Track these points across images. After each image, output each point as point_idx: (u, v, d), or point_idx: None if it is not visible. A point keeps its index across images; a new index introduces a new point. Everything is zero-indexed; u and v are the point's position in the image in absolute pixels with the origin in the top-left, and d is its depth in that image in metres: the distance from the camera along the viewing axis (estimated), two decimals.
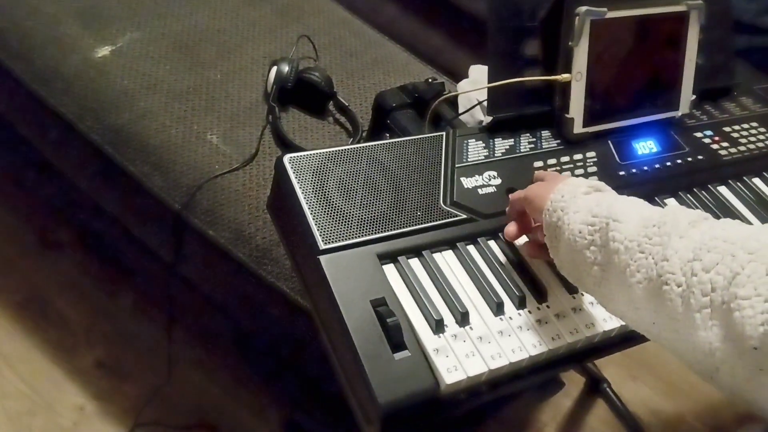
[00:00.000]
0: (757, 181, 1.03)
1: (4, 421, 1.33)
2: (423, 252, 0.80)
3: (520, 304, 0.78)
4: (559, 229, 0.71)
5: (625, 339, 0.81)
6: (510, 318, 0.76)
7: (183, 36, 1.34)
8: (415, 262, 0.79)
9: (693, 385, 1.62)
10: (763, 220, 0.96)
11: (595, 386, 1.55)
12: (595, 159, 0.95)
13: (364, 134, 1.19)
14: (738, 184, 1.01)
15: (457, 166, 0.87)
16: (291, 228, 0.82)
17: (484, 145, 0.91)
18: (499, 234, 0.83)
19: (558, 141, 0.95)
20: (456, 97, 1.09)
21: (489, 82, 0.92)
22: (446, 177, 0.85)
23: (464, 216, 0.83)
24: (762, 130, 1.08)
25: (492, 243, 0.84)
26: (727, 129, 1.06)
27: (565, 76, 0.92)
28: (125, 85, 1.24)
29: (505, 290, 0.79)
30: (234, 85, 1.28)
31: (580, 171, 0.93)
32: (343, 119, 1.26)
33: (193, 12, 1.39)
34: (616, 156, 0.96)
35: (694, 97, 1.02)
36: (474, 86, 1.13)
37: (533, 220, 0.80)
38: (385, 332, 0.70)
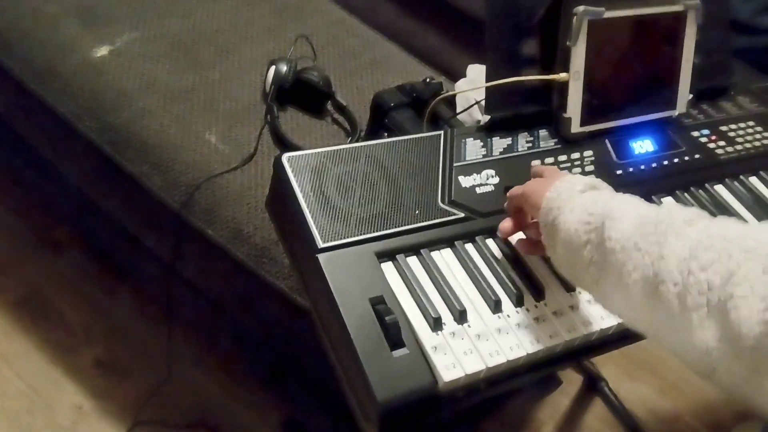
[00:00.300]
0: (753, 180, 1.03)
1: (3, 420, 1.33)
2: (421, 250, 0.80)
3: (518, 302, 0.78)
4: (555, 228, 0.71)
5: (623, 337, 0.82)
6: (508, 316, 0.77)
7: (181, 36, 1.34)
8: (413, 261, 0.79)
9: (691, 384, 1.63)
10: (760, 219, 0.96)
11: (593, 385, 1.56)
12: (593, 158, 0.95)
13: (362, 134, 1.20)
14: (735, 183, 1.01)
15: (455, 165, 0.87)
16: (290, 227, 0.82)
17: (482, 144, 0.91)
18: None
19: (555, 140, 0.95)
20: (454, 96, 1.10)
21: (487, 81, 0.93)
22: (444, 176, 0.86)
23: (462, 215, 0.83)
24: (759, 129, 1.08)
25: (490, 241, 0.84)
26: (723, 128, 1.06)
27: (563, 75, 0.93)
28: (124, 85, 1.24)
29: (503, 288, 0.79)
30: (232, 85, 1.28)
31: (578, 170, 0.93)
32: (341, 119, 1.26)
33: (191, 12, 1.40)
34: (613, 155, 0.96)
35: (691, 96, 1.02)
36: (472, 86, 1.13)
37: (530, 216, 0.80)
38: (383, 330, 0.71)
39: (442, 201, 0.84)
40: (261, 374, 1.46)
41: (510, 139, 0.93)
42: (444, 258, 0.81)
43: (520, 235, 0.83)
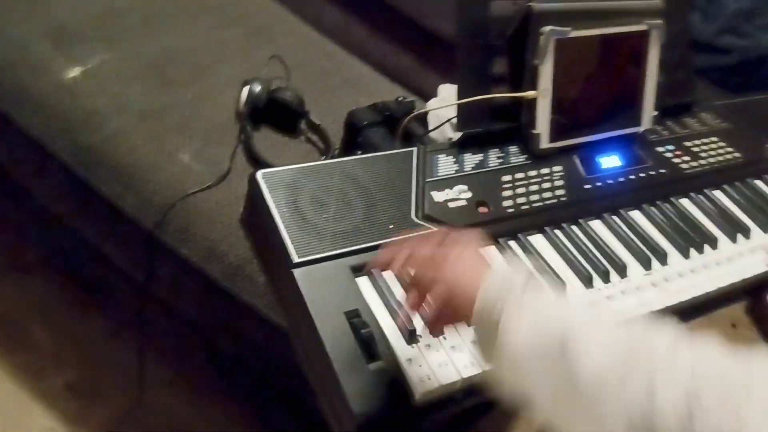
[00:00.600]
0: (717, 193, 1.06)
1: None
2: None
3: None
4: (496, 338, 0.59)
5: None
6: None
7: (154, 57, 1.35)
8: (388, 274, 0.80)
9: None
10: (724, 232, 0.99)
11: None
12: (562, 173, 0.97)
13: (336, 152, 1.21)
14: (699, 196, 1.04)
15: (428, 180, 0.89)
16: (265, 242, 0.83)
17: (454, 159, 0.93)
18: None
19: (525, 156, 0.97)
20: (426, 114, 1.12)
21: (458, 99, 0.95)
22: (418, 191, 0.87)
23: (436, 228, 0.85)
24: (722, 144, 1.12)
25: None
26: (688, 143, 1.09)
27: (532, 93, 0.95)
28: (96, 106, 1.24)
29: None
30: (206, 105, 1.29)
31: (547, 185, 0.95)
32: (315, 138, 1.27)
33: (164, 34, 1.40)
34: (581, 170, 0.98)
35: (656, 113, 1.05)
36: (443, 104, 1.15)
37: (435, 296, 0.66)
38: (359, 343, 0.72)
39: (416, 215, 0.85)
40: (235, 394, 1.45)
41: (481, 155, 0.95)
42: None
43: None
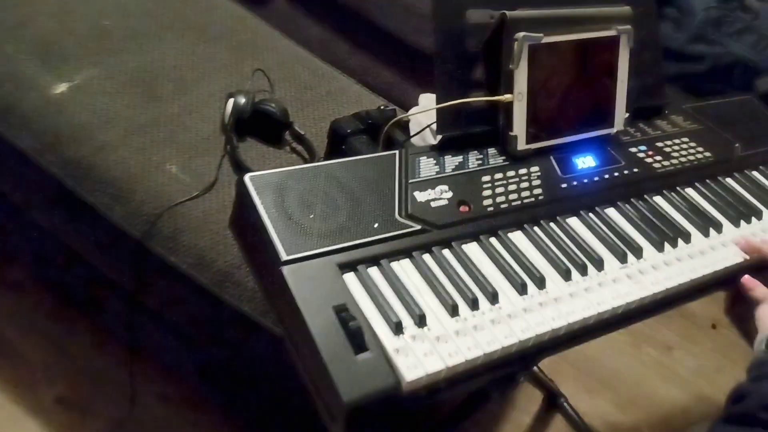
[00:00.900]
0: (689, 190, 1.10)
1: None
2: (381, 261, 0.83)
3: (474, 305, 0.82)
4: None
5: (572, 337, 0.86)
6: (465, 319, 0.80)
7: (140, 72, 1.38)
8: (374, 271, 0.83)
9: (646, 398, 1.68)
10: (697, 227, 1.03)
11: (553, 401, 1.60)
12: (539, 173, 1.00)
13: (320, 161, 1.24)
14: (672, 194, 1.08)
15: (410, 181, 0.92)
16: (253, 243, 0.85)
17: (435, 161, 0.96)
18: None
19: (504, 157, 1.01)
20: (407, 121, 1.15)
21: (437, 104, 0.98)
22: (401, 191, 0.90)
23: (419, 227, 0.88)
24: (693, 144, 1.16)
25: (446, 251, 0.88)
26: (660, 144, 1.13)
27: (507, 96, 0.99)
28: (83, 120, 1.26)
29: (459, 294, 0.83)
30: (192, 118, 1.31)
31: (525, 184, 0.98)
32: (299, 148, 1.30)
33: (149, 49, 1.43)
34: (558, 170, 1.02)
35: (627, 115, 1.09)
36: (424, 110, 1.18)
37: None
38: (347, 335, 0.74)
39: (400, 215, 0.88)
40: (224, 404, 1.46)
41: (461, 156, 0.98)
42: (403, 267, 0.84)
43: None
